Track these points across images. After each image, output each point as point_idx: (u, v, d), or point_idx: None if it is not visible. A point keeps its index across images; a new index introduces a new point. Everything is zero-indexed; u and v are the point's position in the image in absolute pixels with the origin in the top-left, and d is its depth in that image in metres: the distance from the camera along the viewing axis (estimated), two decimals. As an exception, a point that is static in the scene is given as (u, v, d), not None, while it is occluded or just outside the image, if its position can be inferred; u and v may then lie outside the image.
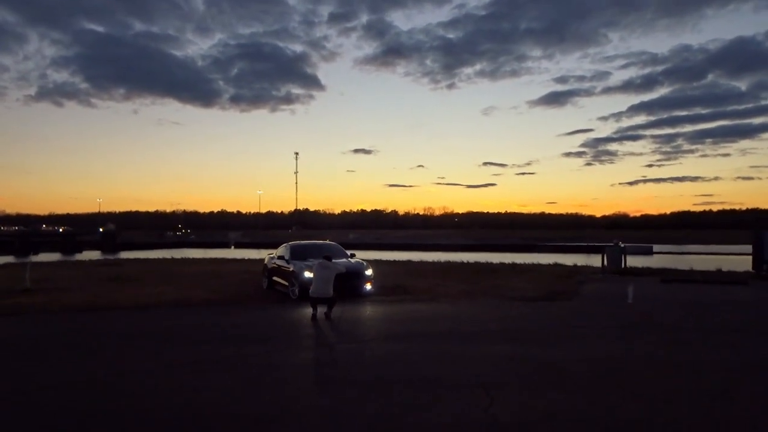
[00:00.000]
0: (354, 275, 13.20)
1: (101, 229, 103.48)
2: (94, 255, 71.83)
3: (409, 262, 26.52)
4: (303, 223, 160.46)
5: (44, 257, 62.34)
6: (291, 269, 13.44)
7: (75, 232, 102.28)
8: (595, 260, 38.85)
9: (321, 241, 16.76)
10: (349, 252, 15.13)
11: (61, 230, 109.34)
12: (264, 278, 15.39)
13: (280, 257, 14.46)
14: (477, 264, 25.29)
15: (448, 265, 24.63)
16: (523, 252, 71.92)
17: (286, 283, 13.65)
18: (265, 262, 15.63)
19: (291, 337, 8.67)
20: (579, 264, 25.22)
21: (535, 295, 13.60)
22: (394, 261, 27.66)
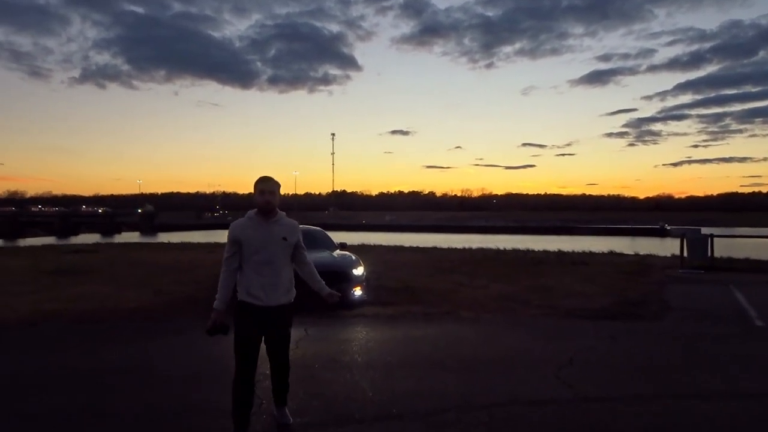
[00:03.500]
0: (336, 276, 9.12)
1: (139, 210, 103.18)
2: (132, 236, 71.61)
3: (434, 250, 22.30)
4: (340, 204, 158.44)
5: (83, 238, 61.64)
6: (251, 266, 9.44)
7: (114, 213, 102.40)
8: (654, 246, 33.94)
9: (302, 226, 12.70)
10: (338, 242, 11.04)
11: (100, 211, 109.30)
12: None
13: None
14: (516, 252, 20.89)
15: (481, 253, 20.31)
16: (563, 234, 67.52)
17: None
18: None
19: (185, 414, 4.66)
20: (642, 252, 20.58)
21: (603, 305, 9.29)
22: (417, 248, 23.46)
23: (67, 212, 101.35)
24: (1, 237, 68.11)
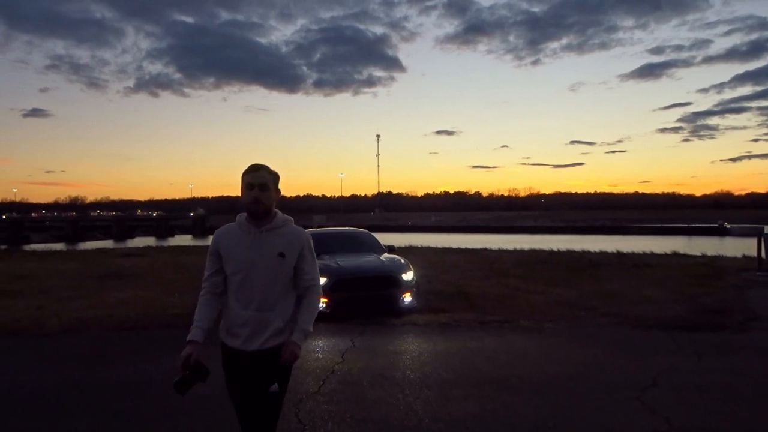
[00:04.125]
0: (385, 282, 8.57)
1: (192, 214, 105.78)
2: (185, 239, 73.49)
3: (484, 252, 21.49)
4: (385, 206, 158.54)
5: (138, 241, 63.58)
6: (295, 270, 8.99)
7: (168, 216, 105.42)
8: (716, 246, 31.96)
9: (346, 228, 12.16)
10: (386, 244, 10.46)
11: (155, 215, 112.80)
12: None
13: (287, 252, 10.05)
14: (571, 254, 19.88)
15: (534, 255, 19.40)
16: (615, 234, 65.22)
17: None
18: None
19: None
20: (710, 253, 19.27)
21: (679, 313, 8.42)
22: (466, 249, 22.69)
23: (124, 216, 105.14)
24: (65, 241, 70.65)
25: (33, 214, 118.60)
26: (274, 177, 2.70)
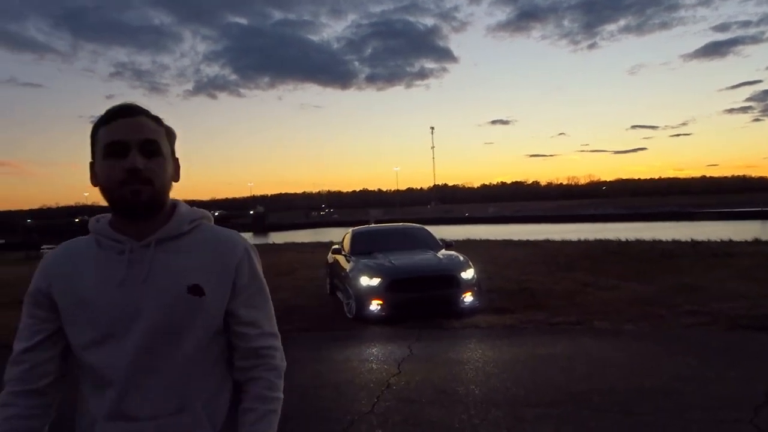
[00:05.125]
0: (443, 281, 7.95)
1: (251, 212, 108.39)
2: (245, 237, 74.93)
3: (546, 243, 20.49)
4: (442, 198, 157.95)
5: None
6: (347, 270, 8.50)
7: (229, 215, 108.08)
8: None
9: (400, 224, 11.55)
10: (443, 240, 9.80)
11: (216, 214, 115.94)
12: (327, 278, 10.61)
13: (338, 250, 9.57)
14: (641, 244, 18.64)
15: (601, 246, 18.29)
16: (682, 221, 61.93)
17: (343, 291, 8.77)
18: (328, 255, 10.76)
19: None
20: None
21: (778, 311, 7.44)
22: (527, 242, 21.72)
23: None
24: None
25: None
26: (167, 131, 1.31)
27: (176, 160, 1.34)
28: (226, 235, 1.36)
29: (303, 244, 28.43)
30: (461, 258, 8.51)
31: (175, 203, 1.33)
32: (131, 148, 1.20)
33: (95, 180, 1.25)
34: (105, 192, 1.23)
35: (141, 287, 1.22)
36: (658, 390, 4.64)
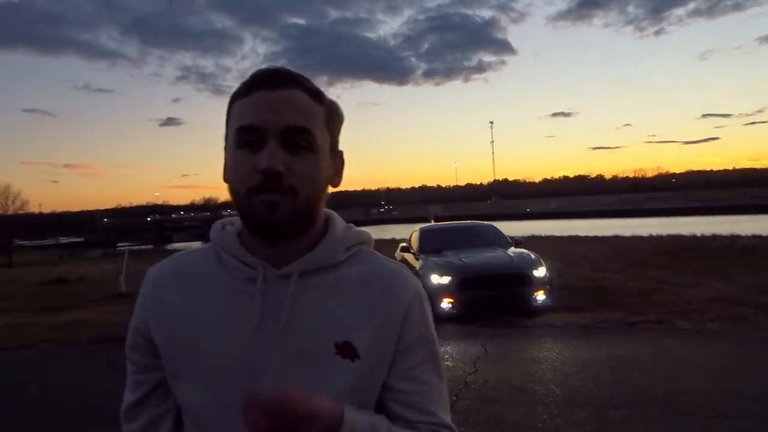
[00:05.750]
0: (515, 279, 7.87)
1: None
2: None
3: (615, 239, 19.92)
4: (502, 193, 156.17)
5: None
6: (417, 268, 8.55)
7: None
8: None
9: (468, 222, 11.49)
10: (512, 237, 9.69)
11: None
12: (395, 276, 10.67)
13: (407, 248, 9.64)
14: (718, 239, 17.83)
15: (675, 242, 17.62)
16: (761, 214, 58.64)
17: (412, 290, 8.83)
18: (395, 254, 10.84)
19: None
20: None
21: None
22: (594, 237, 21.16)
23: (210, 218, 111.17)
24: (202, 239, 76.06)
25: (173, 216, 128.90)
26: (328, 112, 0.90)
27: (339, 155, 0.93)
28: (392, 269, 0.94)
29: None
30: (532, 256, 8.41)
31: (328, 218, 0.96)
32: (269, 137, 0.81)
33: (226, 174, 0.88)
34: (233, 196, 0.86)
35: (274, 338, 0.84)
36: (751, 394, 4.46)
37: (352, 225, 1.00)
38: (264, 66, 0.88)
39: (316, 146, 0.85)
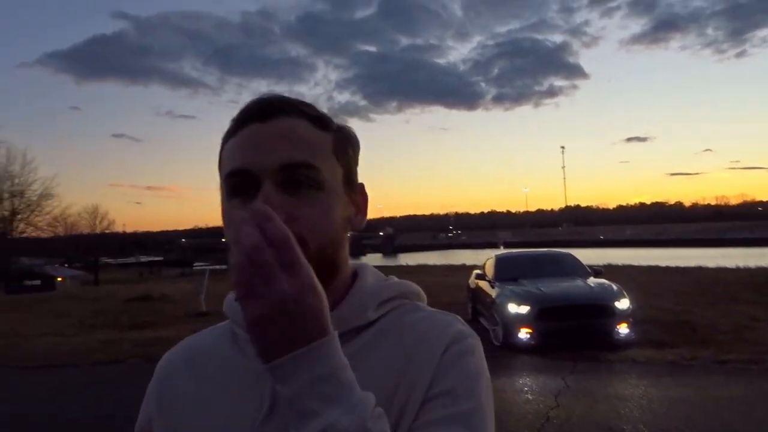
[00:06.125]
0: (596, 311, 7.64)
1: (381, 233, 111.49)
2: (375, 258, 77.45)
3: (698, 271, 18.95)
4: (574, 220, 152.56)
5: None
6: (493, 296, 8.46)
7: (360, 236, 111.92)
8: None
9: (544, 250, 11.28)
10: (592, 267, 9.43)
11: (349, 235, 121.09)
12: (468, 303, 10.62)
13: (482, 275, 9.55)
14: (815, 272, 16.64)
15: (765, 275, 16.57)
16: None
17: (488, 318, 8.73)
18: (469, 280, 10.77)
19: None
20: None
21: None
22: (676, 268, 20.21)
23: None
24: None
25: None
26: (338, 140, 0.74)
27: (359, 189, 0.78)
28: (433, 319, 0.75)
29: (434, 266, 28.57)
30: (614, 286, 8.14)
31: (356, 271, 0.79)
32: (262, 180, 0.66)
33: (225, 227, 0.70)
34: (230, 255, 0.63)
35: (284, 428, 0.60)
36: None
37: (392, 277, 0.81)
38: (272, 94, 0.74)
39: (323, 182, 0.68)
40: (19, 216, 33.82)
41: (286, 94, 0.73)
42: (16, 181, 33.34)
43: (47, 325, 12.64)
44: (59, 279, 33.55)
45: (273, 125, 0.68)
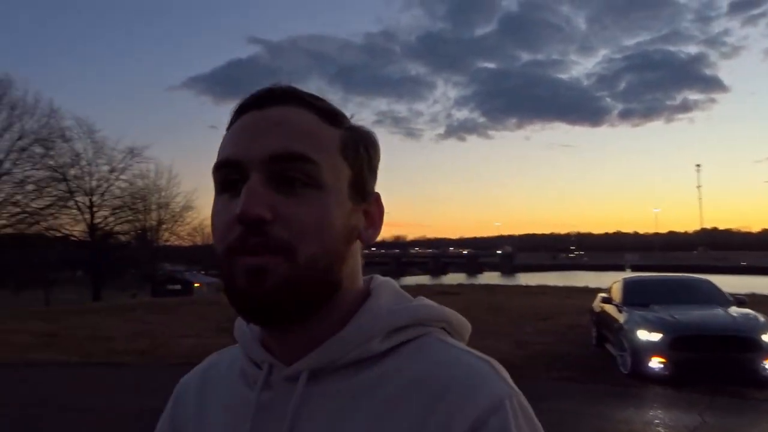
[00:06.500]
0: (739, 343, 7.08)
1: (499, 252, 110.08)
2: (492, 276, 76.36)
3: None
4: (711, 243, 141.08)
5: (450, 278, 68.29)
6: (621, 321, 8.10)
7: (476, 254, 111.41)
8: None
9: (678, 275, 10.58)
10: (734, 295, 8.73)
11: (464, 252, 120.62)
12: (593, 327, 10.21)
13: (608, 299, 9.16)
14: None
15: None
16: None
17: (614, 344, 8.36)
18: (593, 303, 10.35)
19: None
20: None
21: None
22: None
23: (438, 254, 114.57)
24: (387, 275, 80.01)
25: (365, 251, 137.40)
26: (346, 139, 0.62)
27: (374, 200, 0.66)
28: (458, 365, 0.58)
29: (556, 288, 27.64)
30: (761, 318, 7.49)
31: (371, 289, 0.66)
32: (250, 172, 0.57)
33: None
34: (217, 260, 0.60)
35: None
36: None
37: (421, 298, 0.67)
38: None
39: (323, 181, 0.58)
40: (164, 226, 37.13)
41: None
42: (163, 194, 36.60)
43: (189, 326, 13.77)
44: (196, 285, 36.56)
45: (270, 112, 0.59)
